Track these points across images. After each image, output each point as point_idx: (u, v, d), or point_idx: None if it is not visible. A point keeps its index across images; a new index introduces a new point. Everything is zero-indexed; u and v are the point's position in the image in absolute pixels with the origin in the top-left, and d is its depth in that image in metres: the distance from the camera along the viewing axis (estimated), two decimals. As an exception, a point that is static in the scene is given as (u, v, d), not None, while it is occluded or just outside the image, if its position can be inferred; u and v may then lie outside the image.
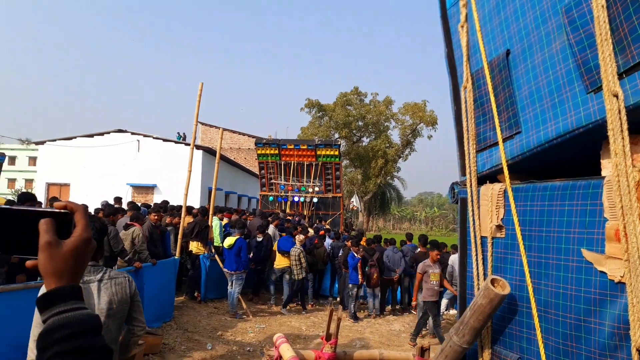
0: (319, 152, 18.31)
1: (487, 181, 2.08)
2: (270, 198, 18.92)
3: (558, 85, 1.70)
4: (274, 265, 10.53)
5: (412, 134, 34.49)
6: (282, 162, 18.82)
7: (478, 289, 1.96)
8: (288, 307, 10.31)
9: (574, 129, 1.62)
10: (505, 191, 1.92)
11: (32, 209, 0.95)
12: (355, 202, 29.64)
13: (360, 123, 34.83)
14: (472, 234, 2.07)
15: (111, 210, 7.42)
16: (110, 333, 2.60)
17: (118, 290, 2.73)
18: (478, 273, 2.01)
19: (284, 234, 11.24)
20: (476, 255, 2.03)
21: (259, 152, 18.96)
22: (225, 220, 11.74)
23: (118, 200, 11.94)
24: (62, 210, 0.97)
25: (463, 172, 2.20)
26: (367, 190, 34.81)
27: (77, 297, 0.93)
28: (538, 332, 1.70)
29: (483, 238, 2.02)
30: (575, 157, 1.83)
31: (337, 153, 18.28)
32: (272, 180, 19.07)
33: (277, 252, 10.49)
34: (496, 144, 1.99)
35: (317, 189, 18.55)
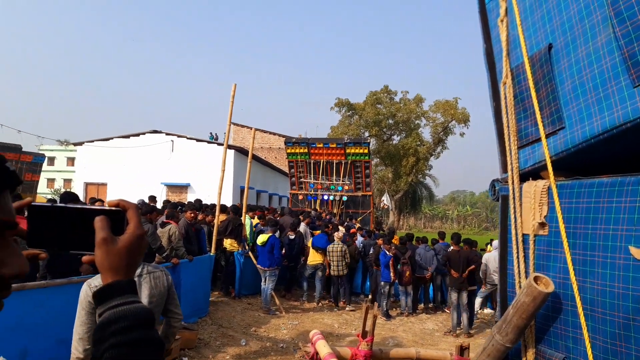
0: (348, 151, 18.28)
1: (530, 178, 2.05)
2: (300, 196, 19.06)
3: (603, 79, 1.66)
4: (307, 262, 10.60)
5: (444, 131, 34.09)
6: (312, 161, 18.91)
7: (520, 287, 1.93)
8: (321, 304, 10.37)
9: (621, 124, 1.58)
10: (549, 188, 1.89)
11: (87, 207, 0.98)
12: (386, 200, 29.48)
13: (390, 121, 34.65)
14: (513, 232, 2.04)
15: (148, 209, 7.61)
16: None
17: (157, 283, 2.81)
18: (519, 271, 1.98)
19: (316, 232, 11.32)
20: (517, 252, 2.00)
21: (288, 151, 19.09)
22: (255, 220, 11.87)
23: (152, 199, 12.21)
24: (115, 208, 1.00)
25: (504, 168, 2.17)
26: (398, 188, 34.63)
27: (133, 290, 0.95)
28: (585, 331, 1.66)
29: (525, 236, 1.99)
30: (620, 153, 1.79)
31: (366, 151, 18.21)
32: (302, 179, 19.18)
33: (310, 249, 10.56)
34: (538, 140, 1.95)
35: (346, 187, 18.56)
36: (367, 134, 33.99)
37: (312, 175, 19.02)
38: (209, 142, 24.67)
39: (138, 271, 2.77)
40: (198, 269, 8.17)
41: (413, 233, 13.15)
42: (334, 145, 18.49)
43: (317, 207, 18.25)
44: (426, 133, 35.63)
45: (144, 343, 0.91)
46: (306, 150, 18.89)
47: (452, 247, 9.84)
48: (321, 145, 18.67)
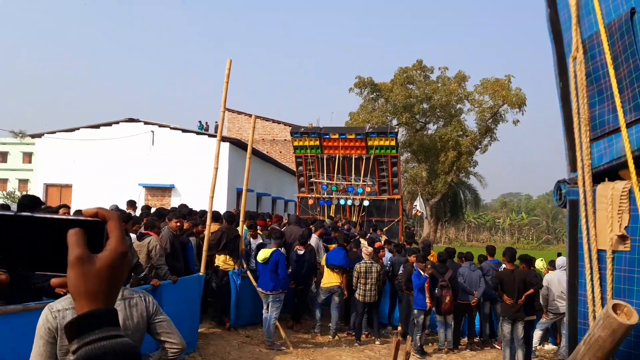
0: (370, 143, 18.22)
1: (606, 178, 2.03)
2: (310, 201, 19.06)
3: None
4: (321, 285, 10.64)
5: (493, 118, 33.87)
6: (325, 156, 18.87)
7: (594, 317, 1.90)
8: (337, 337, 10.40)
9: None
10: (630, 191, 1.86)
11: (59, 217, 0.98)
12: (419, 206, 29.29)
13: (425, 106, 34.55)
14: (585, 247, 2.01)
15: (123, 217, 7.68)
16: None
17: (133, 312, 2.81)
18: (593, 297, 1.96)
19: (331, 246, 11.34)
20: (591, 273, 1.98)
21: (295, 143, 19.13)
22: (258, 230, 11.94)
23: (131, 204, 12.35)
24: (93, 219, 0.99)
25: (573, 166, 2.14)
26: (434, 191, 34.53)
27: (114, 322, 0.95)
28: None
29: (600, 252, 1.96)
30: None
31: (393, 143, 18.13)
32: (312, 179, 19.19)
33: (325, 268, 10.60)
34: (617, 130, 1.93)
35: (368, 189, 18.50)
36: (395, 121, 33.94)
37: (325, 175, 18.99)
38: (198, 133, 24.91)
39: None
40: (184, 292, 8.23)
41: (454, 248, 13.11)
42: (353, 137, 18.42)
43: (332, 214, 18.26)
44: (470, 120, 35.58)
45: None
46: (317, 143, 18.86)
47: (504, 266, 9.81)
48: (336, 137, 18.61)
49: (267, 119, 38.63)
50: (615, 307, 1.81)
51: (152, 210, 12.85)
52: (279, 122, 38.43)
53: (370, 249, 11.02)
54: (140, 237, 8.13)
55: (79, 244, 0.94)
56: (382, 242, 13.84)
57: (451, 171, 34.00)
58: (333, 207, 18.81)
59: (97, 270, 0.95)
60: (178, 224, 9.09)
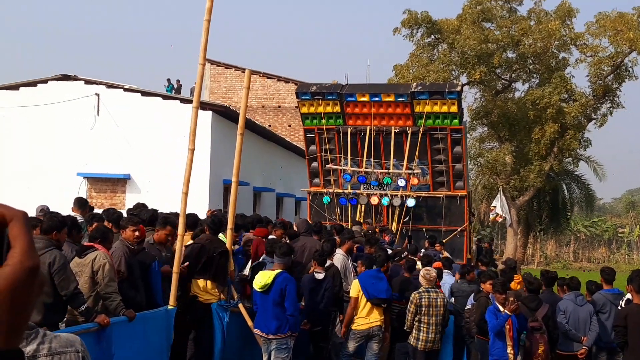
0: (419, 109, 18.03)
1: None
2: (327, 198, 18.83)
3: None
4: (353, 325, 10.67)
5: (615, 73, 33.40)
6: (349, 129, 18.73)
7: None
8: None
9: None
10: None
11: None
12: (499, 207, 29.19)
13: (510, 54, 34.11)
14: None
15: (53, 223, 7.76)
16: None
17: None
18: None
19: (361, 267, 11.34)
20: None
21: (304, 110, 19.08)
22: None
23: (81, 204, 12.31)
24: None
25: None
26: (524, 185, 34.13)
27: None
28: None
29: None
30: None
31: (455, 109, 17.94)
32: (330, 165, 18.95)
33: (356, 301, 10.62)
34: None
35: (416, 181, 18.19)
36: (464, 79, 33.63)
37: (348, 157, 18.71)
38: (165, 97, 25.06)
39: (31, 348, 2.82)
40: (146, 334, 8.36)
41: (555, 271, 13.09)
42: (392, 99, 18.20)
43: (359, 219, 18.05)
44: (580, 77, 34.97)
45: None
46: (338, 109, 18.68)
47: (628, 297, 9.69)
48: (366, 99, 18.38)
49: (269, 76, 38.51)
50: None
51: (96, 211, 12.94)
52: (287, 81, 38.05)
53: (433, 271, 11.05)
54: (82, 252, 8.25)
55: None
56: (442, 261, 13.86)
57: (550, 155, 33.57)
58: (360, 208, 18.65)
59: None
60: (137, 233, 9.18)
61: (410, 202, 18.09)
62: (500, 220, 31.67)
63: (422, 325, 10.36)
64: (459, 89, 18.50)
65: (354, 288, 10.77)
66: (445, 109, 17.78)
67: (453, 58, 32.90)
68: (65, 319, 7.78)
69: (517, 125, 33.43)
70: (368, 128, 18.39)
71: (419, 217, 18.48)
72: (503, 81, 35.60)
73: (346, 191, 18.73)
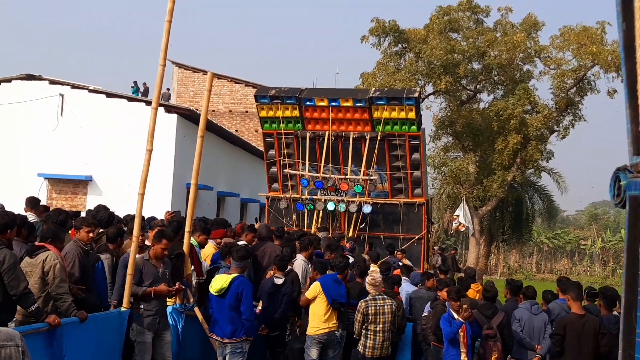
0: (377, 115, 17.89)
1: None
2: (282, 203, 18.73)
3: None
4: (310, 331, 10.64)
5: (578, 86, 33.75)
6: (308, 134, 18.65)
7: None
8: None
9: None
10: None
11: None
12: (462, 217, 29.29)
13: (475, 65, 34.32)
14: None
15: (5, 222, 7.62)
16: None
17: None
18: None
19: (315, 273, 11.28)
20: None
21: (262, 114, 19.01)
22: (209, 247, 11.97)
23: (33, 203, 12.30)
24: None
25: (637, 148, 2.16)
26: (487, 195, 34.32)
27: None
28: None
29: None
30: None
31: (413, 115, 17.75)
32: (286, 170, 18.90)
33: (314, 306, 10.59)
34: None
35: (374, 187, 18.07)
36: (429, 88, 33.79)
37: (306, 163, 18.68)
38: (130, 99, 24.92)
39: None
40: (98, 336, 8.29)
41: (520, 281, 13.11)
42: (350, 104, 18.02)
43: (314, 225, 17.91)
44: (543, 89, 35.24)
45: None
46: (297, 114, 18.61)
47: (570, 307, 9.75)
48: (325, 104, 18.25)
49: (237, 81, 38.42)
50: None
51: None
52: (255, 86, 37.77)
53: (378, 277, 11.05)
54: (32, 253, 8.15)
55: None
56: (400, 268, 13.87)
57: (513, 165, 33.81)
58: (317, 212, 18.56)
59: None
60: (91, 234, 9.11)
61: (367, 209, 17.94)
62: (462, 229, 31.70)
63: (369, 332, 10.32)
64: (416, 95, 18.28)
65: (313, 290, 10.65)
66: (403, 115, 17.68)
67: (419, 67, 33.01)
68: (15, 318, 7.66)
69: (481, 136, 33.57)
70: (327, 133, 18.27)
71: (376, 224, 18.38)
72: (468, 92, 35.79)
73: (302, 197, 18.62)
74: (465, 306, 9.97)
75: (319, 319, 10.50)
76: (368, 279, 10.79)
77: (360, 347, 10.45)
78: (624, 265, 2.25)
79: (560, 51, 33.67)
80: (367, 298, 10.43)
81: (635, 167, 2.22)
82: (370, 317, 10.27)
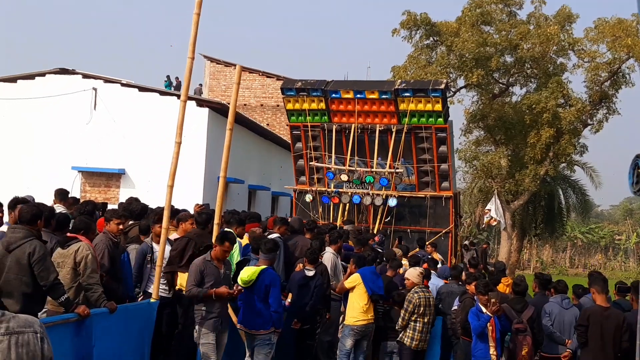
0: (403, 107, 17.80)
1: None
2: (309, 196, 18.81)
3: None
4: (349, 321, 10.71)
5: (612, 79, 33.34)
6: (334, 127, 18.60)
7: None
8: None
9: None
10: None
11: None
12: (494, 211, 29.10)
13: (508, 58, 34.03)
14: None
15: (35, 213, 7.62)
16: None
17: (21, 354, 2.77)
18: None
19: (353, 266, 11.30)
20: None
21: (289, 106, 19.11)
22: (245, 239, 11.97)
23: (62, 195, 12.36)
24: None
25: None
26: (519, 189, 34.07)
27: None
28: None
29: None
30: None
31: (440, 107, 17.66)
32: (312, 163, 18.93)
33: (354, 297, 10.62)
34: None
35: (400, 180, 17.89)
36: (461, 81, 33.59)
37: (332, 156, 18.63)
38: (162, 93, 25.04)
39: None
40: (127, 327, 8.34)
41: (549, 275, 13.02)
42: (376, 96, 17.96)
43: (340, 218, 17.83)
44: (577, 82, 34.82)
45: None
46: (323, 106, 18.58)
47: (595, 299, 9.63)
48: (350, 96, 18.21)
49: (268, 75, 38.34)
50: None
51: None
52: (283, 78, 37.98)
53: (419, 269, 11.12)
54: (65, 243, 8.22)
55: None
56: (428, 262, 13.82)
57: (546, 159, 33.52)
58: (343, 206, 18.46)
59: None
60: (121, 226, 9.19)
61: (392, 202, 17.82)
62: (494, 223, 31.51)
63: (416, 324, 10.47)
64: (443, 86, 18.09)
65: (352, 280, 10.78)
66: (429, 107, 17.58)
67: (451, 60, 32.86)
68: (45, 309, 7.73)
69: (513, 129, 33.30)
70: (353, 126, 18.24)
71: (403, 217, 18.33)
72: (500, 85, 35.47)
73: (328, 189, 18.59)
74: (493, 300, 9.91)
75: (359, 309, 10.60)
76: (415, 271, 10.97)
77: (407, 339, 10.56)
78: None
79: (595, 44, 33.28)
80: (416, 289, 10.61)
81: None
82: (421, 308, 10.46)
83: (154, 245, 10.14)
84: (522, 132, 33.10)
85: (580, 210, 44.64)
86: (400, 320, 10.57)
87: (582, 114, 33.19)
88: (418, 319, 10.48)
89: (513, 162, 33.43)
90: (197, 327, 8.64)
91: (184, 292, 9.95)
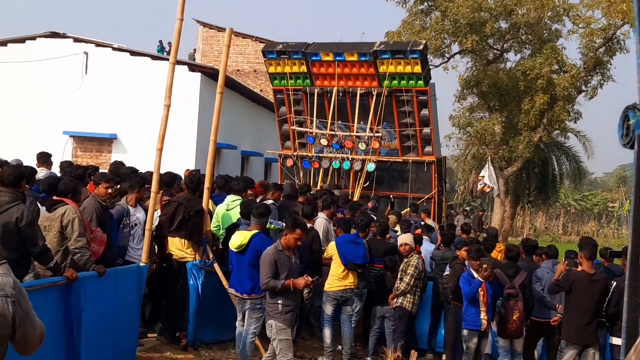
0: (383, 69, 17.62)
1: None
2: (289, 161, 18.82)
3: None
4: (326, 287, 10.73)
5: (607, 46, 33.32)
6: (316, 90, 18.47)
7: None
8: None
9: None
10: None
11: None
12: (487, 177, 29.18)
13: (503, 24, 33.94)
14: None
15: (19, 174, 7.46)
16: None
17: None
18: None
19: (339, 231, 11.27)
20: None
21: (271, 70, 19.04)
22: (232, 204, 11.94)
23: (44, 158, 12.35)
24: None
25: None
26: (512, 155, 34.17)
27: None
28: None
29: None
30: None
31: (419, 69, 17.44)
32: (293, 127, 18.88)
33: (334, 263, 10.61)
34: None
35: (378, 144, 17.79)
36: (456, 47, 33.50)
37: (314, 120, 18.54)
38: (154, 57, 24.95)
39: None
40: (116, 290, 8.31)
41: (535, 240, 13.07)
42: (355, 58, 17.81)
43: (320, 183, 17.74)
44: (571, 48, 34.80)
45: None
46: (304, 69, 18.46)
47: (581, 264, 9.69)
48: (330, 58, 18.04)
49: (261, 40, 38.01)
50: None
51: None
52: (276, 43, 37.90)
53: (409, 235, 11.19)
54: (51, 207, 8.16)
55: None
56: (422, 227, 13.86)
57: (540, 126, 33.59)
58: (323, 171, 18.49)
59: None
60: (109, 190, 9.13)
61: (370, 167, 17.75)
62: (488, 190, 31.67)
63: (417, 289, 10.63)
64: (421, 47, 17.78)
65: (329, 249, 10.88)
66: (409, 69, 17.32)
67: (445, 26, 32.73)
68: (31, 272, 7.67)
69: (507, 96, 33.32)
70: (334, 89, 18.08)
71: (385, 182, 18.30)
72: (495, 51, 35.39)
73: (309, 154, 18.57)
74: (485, 265, 9.92)
75: (335, 276, 10.62)
76: (410, 236, 11.43)
77: (408, 304, 10.64)
78: (632, 206, 2.18)
79: (590, 9, 33.18)
80: (416, 256, 10.82)
81: (646, 106, 2.14)
82: (422, 273, 10.70)
83: (130, 208, 10.01)
84: (516, 98, 33.15)
85: (574, 178, 44.85)
86: (404, 285, 10.56)
87: (577, 81, 33.19)
88: (418, 284, 10.62)
89: (507, 128, 33.49)
90: (272, 322, 8.26)
91: (173, 258, 9.99)
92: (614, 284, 9.46)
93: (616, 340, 9.28)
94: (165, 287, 10.11)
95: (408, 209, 16.89)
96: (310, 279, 8.51)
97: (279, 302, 8.15)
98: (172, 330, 10.05)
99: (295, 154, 18.77)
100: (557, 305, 10.42)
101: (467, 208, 41.42)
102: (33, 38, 24.51)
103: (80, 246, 7.80)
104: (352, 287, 10.55)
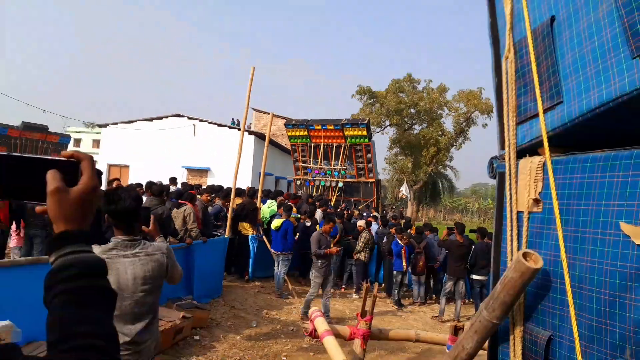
0: (346, 133, 17.54)
1: (527, 154, 2.01)
2: (297, 182, 18.76)
3: (603, 51, 1.59)
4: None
5: (467, 122, 33.51)
6: (312, 144, 18.45)
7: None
8: (332, 291, 10.40)
9: (617, 96, 1.52)
10: (544, 164, 1.85)
11: (39, 157, 0.97)
12: (404, 190, 29.20)
13: (412, 110, 34.14)
14: (508, 209, 2.01)
15: (162, 189, 7.55)
16: (146, 305, 2.62)
17: (154, 267, 2.73)
18: (512, 248, 1.95)
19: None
20: (511, 230, 1.97)
21: (289, 133, 18.79)
22: (271, 205, 11.87)
23: (172, 180, 12.39)
24: (69, 159, 0.99)
25: (502, 145, 2.12)
26: (417, 179, 34.20)
27: (85, 240, 0.96)
28: (571, 308, 1.63)
29: (519, 213, 1.95)
30: (620, 127, 1.73)
31: (364, 133, 17.38)
32: (298, 163, 18.79)
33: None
34: (537, 115, 1.90)
35: (344, 172, 17.87)
36: (388, 122, 33.65)
37: (311, 159, 18.55)
38: (230, 127, 24.89)
39: (135, 250, 2.69)
40: (212, 251, 8.28)
41: (431, 223, 13.04)
42: (332, 127, 17.76)
43: (313, 194, 17.73)
44: (448, 123, 35.12)
45: (91, 291, 0.91)
46: (306, 133, 18.34)
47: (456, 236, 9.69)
48: (319, 127, 18.04)
49: (285, 118, 38.12)
50: (525, 255, 1.80)
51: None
52: (287, 119, 38.31)
53: (363, 221, 11.13)
54: (178, 206, 8.17)
55: (56, 179, 0.95)
56: (372, 217, 13.76)
57: (431, 163, 33.72)
58: (314, 187, 18.36)
59: (71, 200, 0.95)
60: (208, 197, 9.15)
61: (340, 184, 17.99)
62: (404, 197, 31.73)
63: (367, 249, 10.47)
64: (367, 121, 18.04)
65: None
66: (360, 133, 17.47)
67: (382, 111, 32.97)
68: (167, 241, 7.64)
69: (414, 148, 33.53)
70: (321, 144, 18.19)
71: (347, 192, 18.20)
72: (408, 124, 35.54)
73: (307, 178, 18.61)
74: (404, 237, 9.92)
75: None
76: (363, 222, 11.20)
77: (362, 257, 10.47)
78: (495, 211, 2.21)
79: (457, 103, 33.46)
80: (366, 231, 10.65)
81: (501, 156, 2.18)
82: (368, 242, 10.49)
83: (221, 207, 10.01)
84: (419, 149, 33.29)
85: (449, 190, 45.09)
86: (360, 247, 10.46)
87: (450, 140, 33.41)
88: (366, 247, 10.41)
89: (414, 165, 33.59)
90: (313, 271, 8.00)
91: (249, 236, 9.92)
92: (473, 247, 9.48)
93: (475, 276, 9.28)
94: (237, 249, 10.08)
95: (361, 206, 16.94)
96: (337, 249, 8.44)
97: (319, 262, 8.05)
98: (241, 271, 10.00)
99: (301, 178, 18.69)
100: (438, 257, 10.45)
101: (393, 207, 41.31)
102: (166, 117, 24.52)
103: (193, 227, 7.81)
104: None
